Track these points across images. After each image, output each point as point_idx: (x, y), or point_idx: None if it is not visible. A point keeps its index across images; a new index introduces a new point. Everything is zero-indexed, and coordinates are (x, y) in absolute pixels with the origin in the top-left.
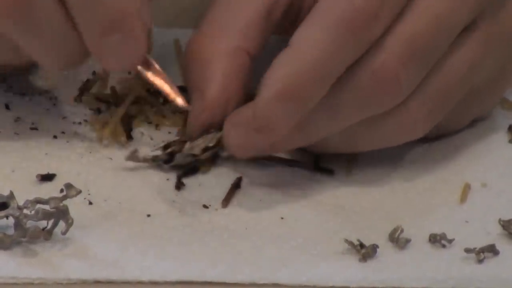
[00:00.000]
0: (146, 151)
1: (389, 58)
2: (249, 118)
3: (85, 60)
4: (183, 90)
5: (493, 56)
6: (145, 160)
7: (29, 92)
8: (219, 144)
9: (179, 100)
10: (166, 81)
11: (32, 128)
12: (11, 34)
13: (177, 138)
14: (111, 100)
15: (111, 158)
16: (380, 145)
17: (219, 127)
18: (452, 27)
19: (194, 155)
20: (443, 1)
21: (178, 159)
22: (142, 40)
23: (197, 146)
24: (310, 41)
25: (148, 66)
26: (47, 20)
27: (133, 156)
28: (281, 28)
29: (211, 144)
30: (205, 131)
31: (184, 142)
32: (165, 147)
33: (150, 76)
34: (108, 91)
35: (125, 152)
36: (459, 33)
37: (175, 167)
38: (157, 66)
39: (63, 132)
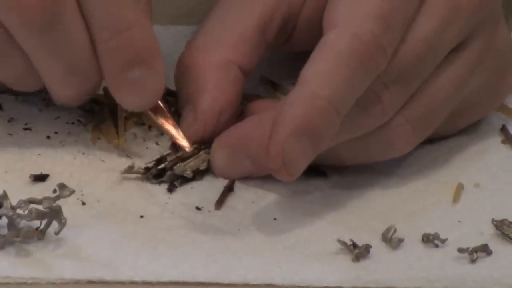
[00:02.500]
0: (138, 152)
1: (373, 81)
2: (234, 140)
3: (93, 94)
4: (173, 95)
5: (482, 75)
6: (137, 172)
7: (22, 93)
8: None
9: (185, 143)
10: (170, 122)
11: (25, 129)
12: (35, 49)
13: (170, 152)
14: (104, 101)
15: (104, 159)
16: (365, 160)
17: (211, 143)
18: (439, 50)
19: (183, 177)
20: (432, 25)
21: (168, 176)
22: (163, 77)
23: (189, 168)
24: (321, 78)
25: (155, 106)
26: (71, 39)
27: (128, 171)
28: (276, 44)
29: (202, 167)
30: (197, 148)
31: (176, 158)
32: (158, 161)
33: (157, 117)
34: (101, 91)
35: (117, 153)
36: (448, 53)
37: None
38: (163, 107)
39: (56, 133)
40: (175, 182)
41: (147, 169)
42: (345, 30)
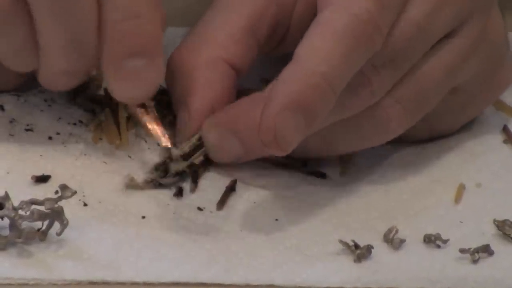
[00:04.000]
0: (140, 152)
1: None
2: (224, 119)
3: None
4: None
5: (476, 63)
6: (144, 185)
7: (24, 93)
8: (202, 145)
9: (163, 140)
10: (154, 121)
11: (27, 130)
12: (44, 12)
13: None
14: (105, 102)
15: (106, 160)
16: (359, 145)
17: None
18: (430, 36)
19: (184, 157)
20: (424, 9)
21: (173, 168)
22: (162, 73)
23: (181, 148)
24: (316, 55)
25: (143, 103)
26: (82, 10)
27: (131, 185)
28: (269, 46)
29: (193, 143)
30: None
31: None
32: (156, 167)
33: (142, 114)
34: (102, 92)
35: (119, 153)
36: (440, 38)
37: (176, 177)
38: (151, 105)
39: (58, 133)
40: (182, 186)
41: (152, 179)
42: (341, 8)
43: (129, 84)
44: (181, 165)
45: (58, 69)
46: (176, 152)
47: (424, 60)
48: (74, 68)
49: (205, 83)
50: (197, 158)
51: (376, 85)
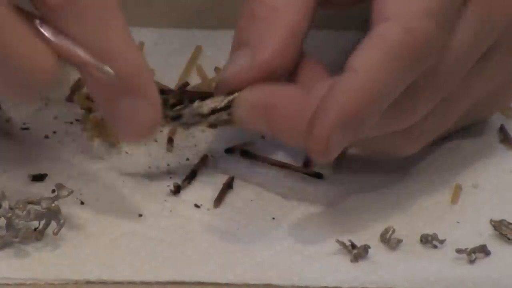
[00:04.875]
0: (136, 149)
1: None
2: (261, 102)
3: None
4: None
5: (495, 80)
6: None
7: None
8: (228, 108)
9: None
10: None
11: (23, 128)
12: None
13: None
14: None
15: (102, 158)
16: (369, 153)
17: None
18: (474, 59)
19: (201, 115)
20: (471, 30)
21: (186, 117)
22: (157, 106)
23: (206, 105)
24: (371, 69)
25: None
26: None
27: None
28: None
29: (220, 106)
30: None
31: (191, 102)
32: (173, 105)
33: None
34: None
35: (115, 151)
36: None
37: (182, 124)
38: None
39: (54, 132)
40: (180, 184)
41: (164, 114)
42: (397, 24)
43: (127, 124)
44: (194, 119)
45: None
46: (197, 106)
47: (463, 85)
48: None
49: (282, 35)
50: (211, 117)
51: (420, 106)
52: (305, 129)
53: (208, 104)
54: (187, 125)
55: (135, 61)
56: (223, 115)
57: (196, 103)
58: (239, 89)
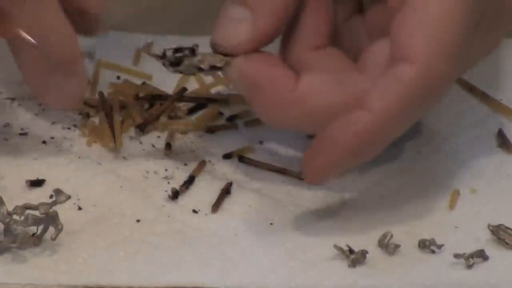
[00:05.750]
0: (135, 154)
1: None
2: (255, 74)
3: None
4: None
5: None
6: (154, 55)
7: (18, 97)
8: (225, 67)
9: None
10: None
11: (21, 134)
12: None
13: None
14: (99, 105)
15: (100, 163)
16: None
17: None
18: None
19: (199, 68)
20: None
21: (184, 66)
22: (84, 80)
23: (207, 61)
24: (387, 111)
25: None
26: None
27: (146, 49)
28: None
29: (219, 65)
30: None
31: (193, 53)
32: (177, 50)
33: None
34: (96, 96)
35: (113, 156)
36: None
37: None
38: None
39: (52, 138)
40: (178, 189)
41: (164, 55)
42: (418, 66)
43: (56, 98)
44: (190, 70)
45: None
46: (198, 60)
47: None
48: None
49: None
50: (208, 71)
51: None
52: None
53: (209, 61)
54: (181, 73)
55: (69, 42)
56: (219, 73)
57: (199, 57)
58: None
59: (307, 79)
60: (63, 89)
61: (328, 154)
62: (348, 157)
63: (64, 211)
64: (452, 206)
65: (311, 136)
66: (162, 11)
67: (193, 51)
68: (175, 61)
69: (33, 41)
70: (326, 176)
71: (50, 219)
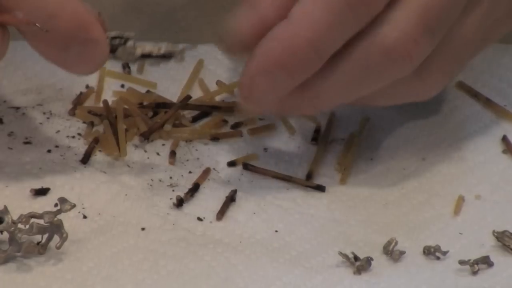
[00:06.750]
0: (139, 163)
1: (401, 36)
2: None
3: None
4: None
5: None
6: None
7: (22, 106)
8: (164, 57)
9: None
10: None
11: (25, 143)
12: None
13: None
14: (103, 113)
15: (104, 172)
16: (396, 102)
17: None
18: None
19: (134, 55)
20: None
21: (119, 53)
22: (104, 40)
23: (139, 48)
24: (306, 19)
25: None
26: None
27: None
28: None
29: (155, 53)
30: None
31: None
32: (114, 37)
33: None
34: (100, 104)
35: (118, 165)
36: None
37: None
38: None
39: (56, 146)
40: (183, 197)
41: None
42: None
43: (80, 65)
44: (128, 58)
45: None
46: (131, 46)
47: (458, 23)
48: None
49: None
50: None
51: (415, 56)
52: None
53: (144, 48)
54: (122, 60)
55: (75, 13)
56: (159, 61)
57: (130, 43)
58: None
59: None
60: (85, 56)
61: (256, 66)
62: (278, 71)
63: (69, 220)
64: (456, 212)
65: (313, 141)
66: (167, 20)
67: (126, 40)
68: (112, 48)
69: (37, 24)
70: (260, 95)
71: (55, 227)
